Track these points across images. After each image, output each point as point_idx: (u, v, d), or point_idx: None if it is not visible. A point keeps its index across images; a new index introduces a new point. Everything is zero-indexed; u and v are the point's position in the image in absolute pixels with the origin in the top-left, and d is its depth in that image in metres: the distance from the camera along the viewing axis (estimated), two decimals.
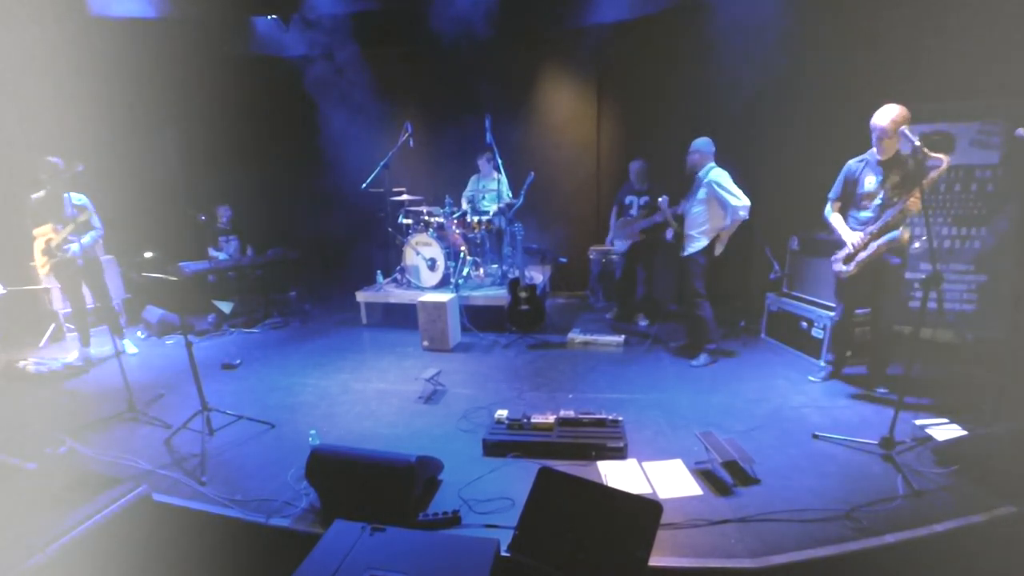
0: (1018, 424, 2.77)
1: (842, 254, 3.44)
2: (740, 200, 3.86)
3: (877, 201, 3.28)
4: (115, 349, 3.71)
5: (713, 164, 4.03)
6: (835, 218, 3.53)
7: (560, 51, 6.34)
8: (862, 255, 3.31)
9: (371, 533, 1.92)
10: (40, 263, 4.45)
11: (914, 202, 3.09)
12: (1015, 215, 4.08)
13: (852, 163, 3.45)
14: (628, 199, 5.20)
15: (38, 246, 4.41)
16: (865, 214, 3.35)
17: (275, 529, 2.36)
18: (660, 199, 4.47)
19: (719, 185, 3.92)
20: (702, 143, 4.06)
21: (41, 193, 4.34)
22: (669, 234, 4.52)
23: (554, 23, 6.05)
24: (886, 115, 3.12)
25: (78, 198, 4.48)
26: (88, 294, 4.78)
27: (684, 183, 4.28)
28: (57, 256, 4.30)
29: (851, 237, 3.38)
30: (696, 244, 4.09)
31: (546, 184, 6.19)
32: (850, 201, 3.47)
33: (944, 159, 2.95)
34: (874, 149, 3.29)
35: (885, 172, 3.25)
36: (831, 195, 3.56)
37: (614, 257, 5.62)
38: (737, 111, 4.81)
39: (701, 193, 4.04)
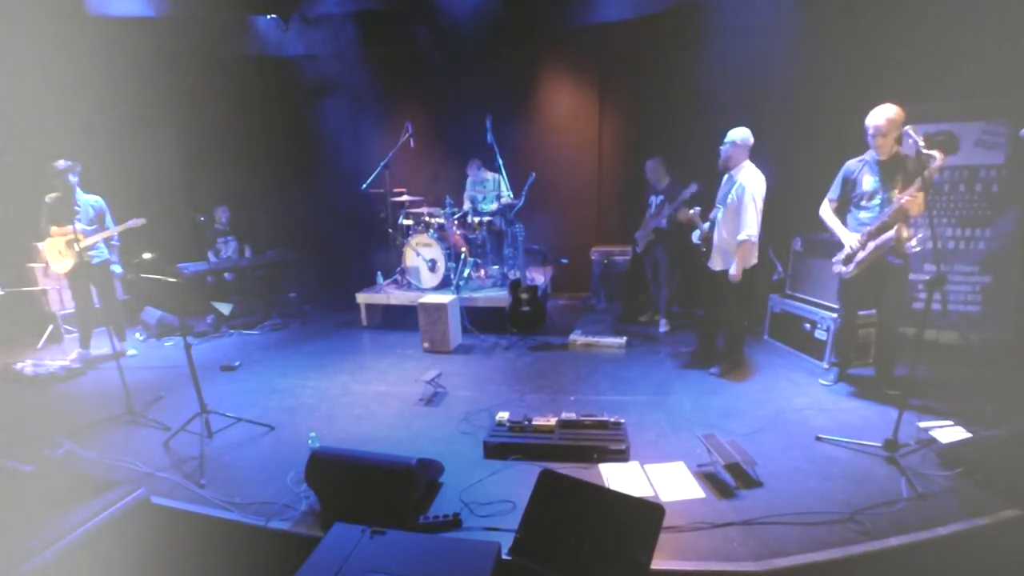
0: (1023, 426, 2.75)
1: (841, 255, 3.41)
2: (752, 228, 3.53)
3: (876, 201, 3.25)
4: (113, 350, 3.70)
5: (748, 162, 3.64)
6: (830, 218, 3.49)
7: (561, 50, 6.32)
8: (861, 255, 3.28)
9: (371, 536, 1.90)
10: (61, 262, 4.44)
11: (911, 201, 3.03)
12: (1020, 216, 4.07)
13: (851, 163, 3.42)
14: (650, 199, 5.05)
15: (54, 244, 4.40)
16: (865, 214, 3.32)
17: (275, 532, 2.35)
18: (686, 196, 3.92)
19: (751, 196, 3.50)
20: (741, 134, 3.59)
21: (56, 194, 4.34)
22: (696, 237, 3.92)
23: (555, 22, 6.03)
24: (880, 114, 3.11)
25: (96, 201, 4.51)
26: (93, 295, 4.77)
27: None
28: (83, 257, 4.29)
29: (849, 238, 3.36)
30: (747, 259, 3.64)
31: (547, 185, 6.17)
32: (849, 201, 3.44)
33: (938, 156, 2.80)
34: (872, 150, 3.26)
35: (884, 172, 3.22)
36: (829, 195, 3.52)
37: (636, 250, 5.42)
38: (739, 111, 4.79)
39: (735, 195, 3.61)
